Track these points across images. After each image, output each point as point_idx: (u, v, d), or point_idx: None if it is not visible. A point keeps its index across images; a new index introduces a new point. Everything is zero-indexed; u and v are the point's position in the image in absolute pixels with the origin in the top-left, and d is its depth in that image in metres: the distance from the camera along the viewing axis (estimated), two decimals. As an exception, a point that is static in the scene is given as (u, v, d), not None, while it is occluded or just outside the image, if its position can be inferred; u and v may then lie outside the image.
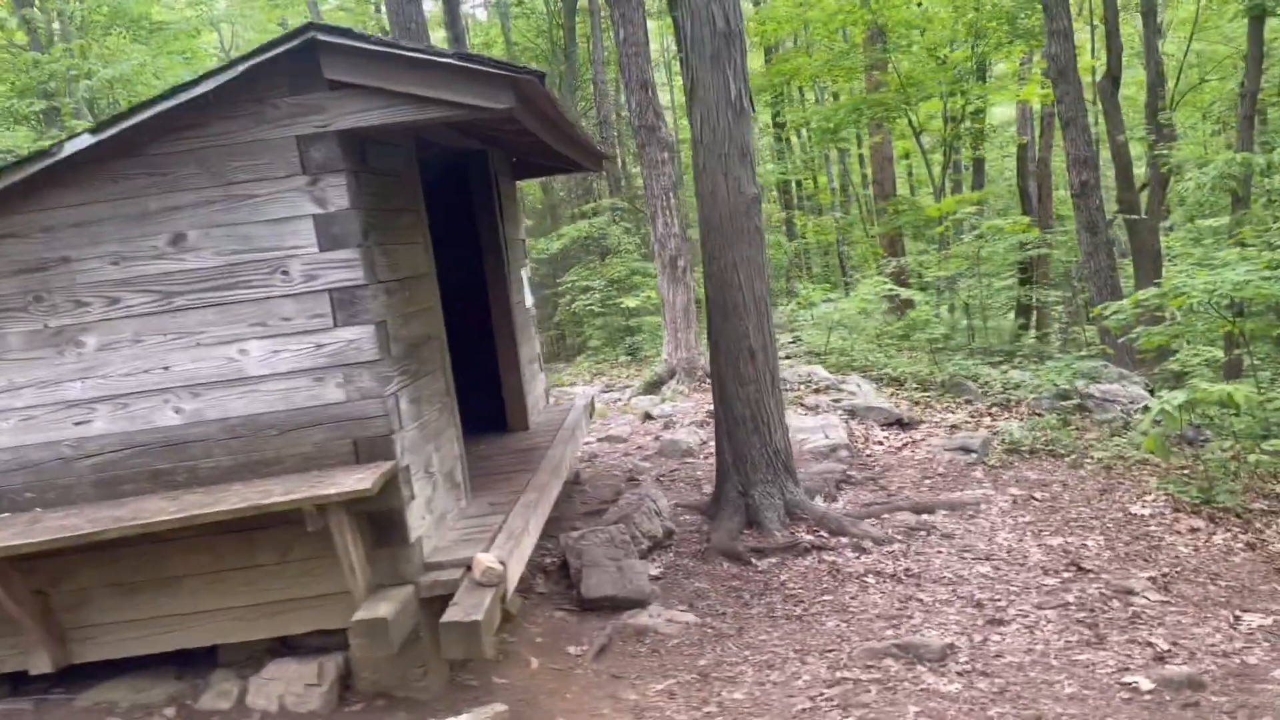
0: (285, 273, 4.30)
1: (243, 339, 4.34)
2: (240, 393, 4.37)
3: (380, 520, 4.41)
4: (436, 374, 5.26)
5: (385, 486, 4.30)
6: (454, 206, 7.52)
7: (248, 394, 4.37)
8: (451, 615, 4.08)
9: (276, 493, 4.09)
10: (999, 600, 5.51)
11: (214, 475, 4.40)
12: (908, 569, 6.10)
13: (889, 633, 5.20)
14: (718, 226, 6.89)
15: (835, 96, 22.33)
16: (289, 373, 4.36)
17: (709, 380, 8.36)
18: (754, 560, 6.44)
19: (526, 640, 5.35)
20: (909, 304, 15.79)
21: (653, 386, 12.47)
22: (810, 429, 9.47)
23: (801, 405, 10.72)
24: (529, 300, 8.35)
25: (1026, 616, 5.27)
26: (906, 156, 24.41)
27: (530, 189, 26.57)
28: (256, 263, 4.30)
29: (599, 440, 10.17)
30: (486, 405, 7.74)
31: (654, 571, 6.45)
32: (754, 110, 7.04)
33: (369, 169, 4.56)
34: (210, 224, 4.28)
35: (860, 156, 26.08)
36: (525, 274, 8.34)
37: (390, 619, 4.08)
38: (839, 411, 10.32)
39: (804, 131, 24.80)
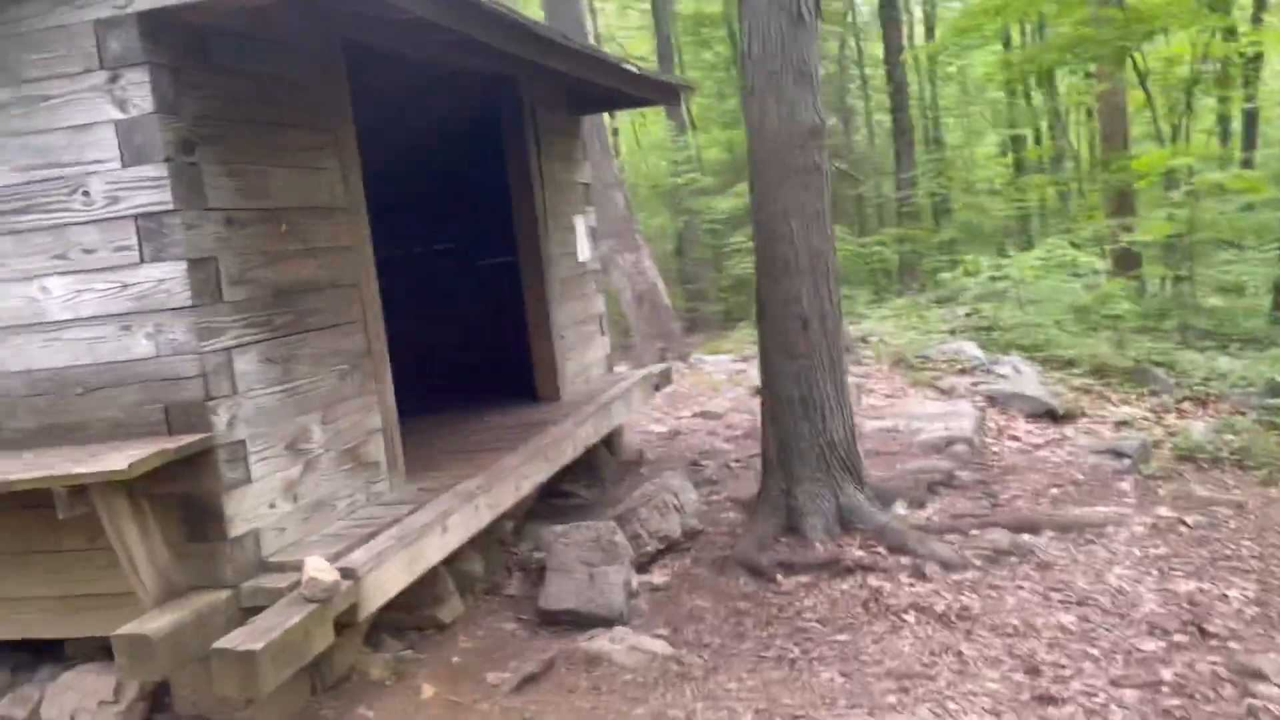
0: (86, 193, 3.48)
1: (43, 274, 3.56)
2: (43, 341, 3.60)
3: (196, 507, 3.55)
4: (346, 329, 4.33)
5: (191, 465, 3.42)
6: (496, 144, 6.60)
7: (51, 342, 3.60)
8: (226, 640, 3.16)
9: (37, 467, 3.29)
10: (1064, 667, 3.99)
11: (18, 438, 3.66)
12: (965, 608, 4.64)
13: (890, 699, 3.83)
14: (765, 163, 5.57)
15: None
16: (93, 318, 3.55)
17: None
18: (779, 577, 5.16)
19: (441, 660, 4.37)
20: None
21: (780, 359, 11.11)
22: (931, 416, 7.92)
23: (934, 387, 9.11)
24: (585, 253, 7.29)
25: (1093, 696, 3.75)
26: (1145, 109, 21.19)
27: (739, 140, 24.90)
28: (54, 180, 3.50)
29: (693, 415, 9.01)
30: (523, 369, 6.80)
31: (659, 581, 5.32)
32: (818, 18, 5.61)
33: (214, 68, 3.66)
34: (3, 132, 3.52)
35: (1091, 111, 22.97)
36: (582, 223, 7.29)
37: (159, 635, 3.19)
38: (978, 397, 8.66)
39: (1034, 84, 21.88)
